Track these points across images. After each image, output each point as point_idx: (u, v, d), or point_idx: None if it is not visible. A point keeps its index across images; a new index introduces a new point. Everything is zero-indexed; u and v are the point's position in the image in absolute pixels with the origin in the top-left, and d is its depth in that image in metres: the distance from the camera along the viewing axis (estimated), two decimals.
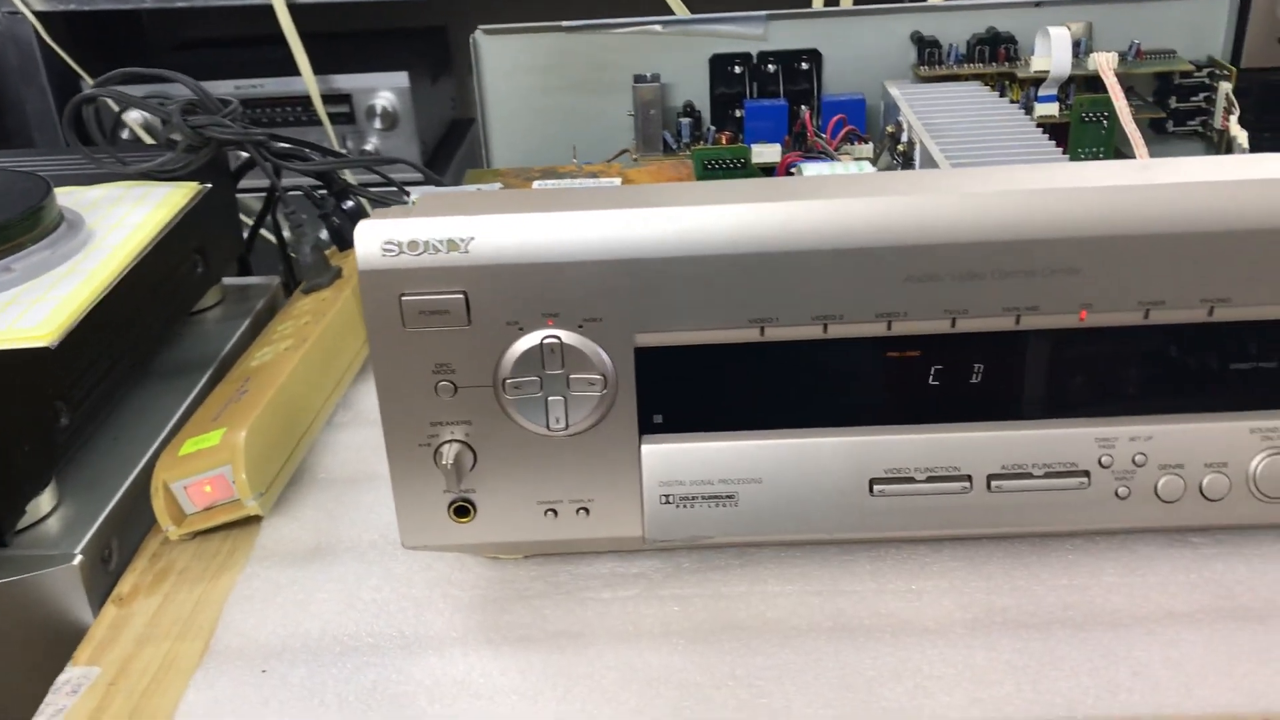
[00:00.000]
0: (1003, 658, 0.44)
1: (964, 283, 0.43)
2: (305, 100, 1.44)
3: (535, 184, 0.57)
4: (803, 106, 0.73)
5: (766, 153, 0.68)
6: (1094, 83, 0.70)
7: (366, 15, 1.59)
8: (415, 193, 0.47)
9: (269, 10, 1.31)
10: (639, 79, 0.72)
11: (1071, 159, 0.70)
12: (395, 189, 0.77)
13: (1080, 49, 0.71)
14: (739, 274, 0.43)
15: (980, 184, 0.44)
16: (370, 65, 1.50)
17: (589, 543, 0.49)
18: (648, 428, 0.46)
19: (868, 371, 0.46)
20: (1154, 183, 0.43)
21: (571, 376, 0.44)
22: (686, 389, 0.46)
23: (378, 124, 1.50)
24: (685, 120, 0.73)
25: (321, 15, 1.40)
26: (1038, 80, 0.70)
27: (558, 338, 0.44)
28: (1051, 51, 0.68)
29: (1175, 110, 0.74)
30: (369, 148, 1.48)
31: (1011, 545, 0.50)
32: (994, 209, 0.42)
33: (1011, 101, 0.70)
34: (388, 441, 0.46)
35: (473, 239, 0.43)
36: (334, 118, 1.47)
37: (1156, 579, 0.48)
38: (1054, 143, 0.60)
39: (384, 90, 1.50)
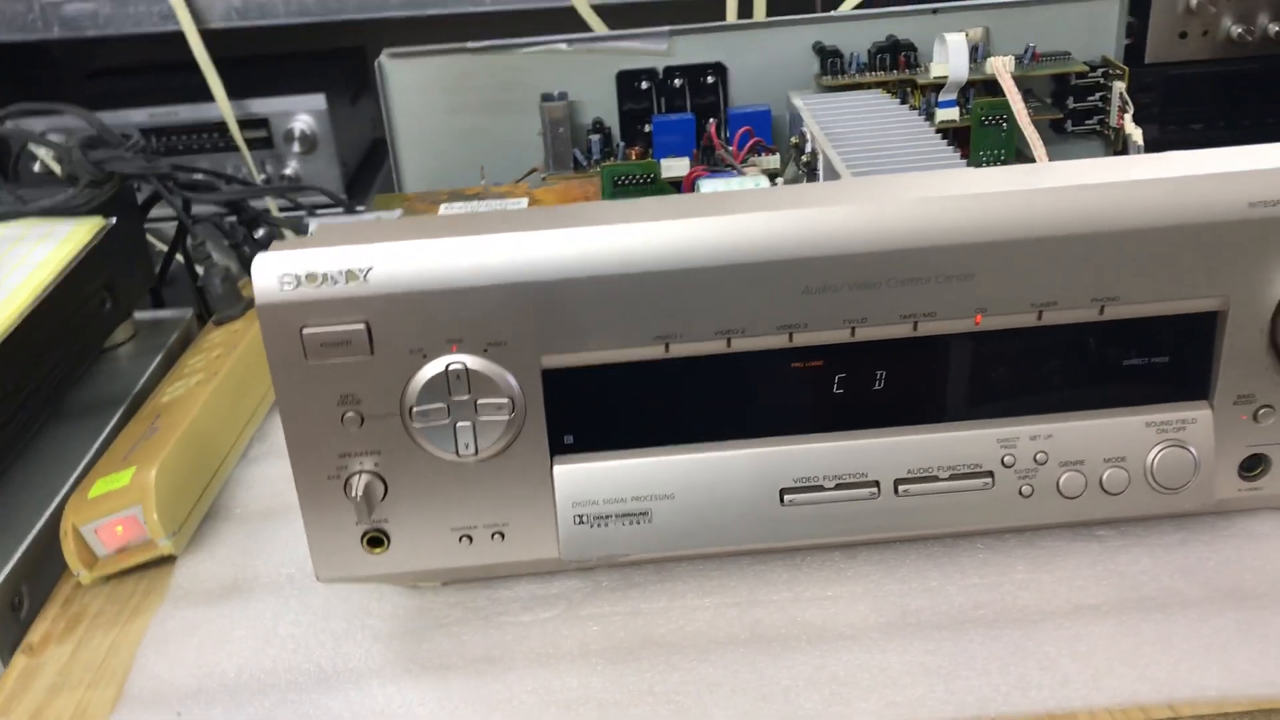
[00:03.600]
0: (916, 660, 0.45)
1: (860, 292, 0.44)
2: (222, 126, 1.42)
3: (442, 207, 0.57)
4: (712, 119, 0.73)
5: (675, 167, 0.68)
6: (993, 86, 0.72)
7: (282, 39, 1.57)
8: (313, 223, 0.46)
9: (183, 36, 1.29)
10: (546, 98, 0.72)
11: (973, 162, 0.72)
12: (309, 215, 0.77)
13: (978, 54, 0.73)
14: (641, 292, 0.43)
15: (872, 194, 0.44)
16: (286, 88, 1.48)
17: (506, 567, 0.49)
18: (559, 449, 0.46)
19: (774, 383, 0.46)
20: (1041, 187, 0.44)
21: (479, 401, 0.44)
22: (596, 408, 0.46)
23: (296, 147, 1.48)
24: (595, 137, 0.73)
25: (236, 40, 1.39)
26: (937, 86, 0.72)
27: (463, 363, 0.44)
28: (949, 58, 0.69)
29: (1073, 110, 0.76)
30: (289, 172, 1.47)
31: (925, 546, 0.51)
32: (885, 219, 0.43)
33: (912, 108, 0.71)
34: (296, 476, 0.45)
35: (371, 268, 0.43)
36: (253, 143, 1.45)
37: (1064, 573, 0.49)
38: (952, 148, 0.61)
39: (302, 113, 1.48)
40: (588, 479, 0.46)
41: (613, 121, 0.75)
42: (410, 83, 0.74)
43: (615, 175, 0.69)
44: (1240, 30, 1.73)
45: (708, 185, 0.51)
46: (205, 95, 1.36)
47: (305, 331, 0.43)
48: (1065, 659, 0.44)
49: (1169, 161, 0.46)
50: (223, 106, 1.39)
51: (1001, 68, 0.69)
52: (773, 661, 0.45)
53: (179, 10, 1.27)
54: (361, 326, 0.43)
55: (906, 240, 0.43)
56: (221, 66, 1.32)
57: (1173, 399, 0.47)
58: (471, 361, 0.44)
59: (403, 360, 0.44)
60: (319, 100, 1.44)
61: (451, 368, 0.44)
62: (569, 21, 0.96)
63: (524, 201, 0.56)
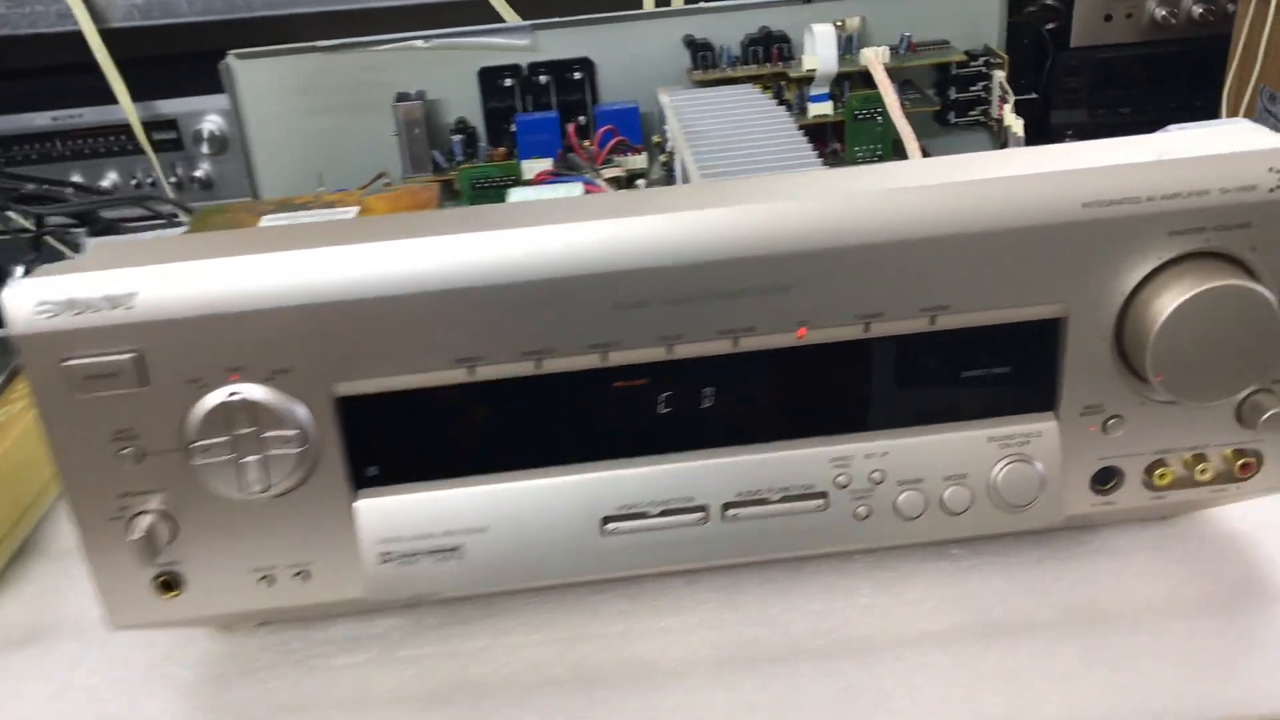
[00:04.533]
0: (743, 697, 0.42)
1: (674, 307, 0.41)
2: (129, 129, 1.38)
3: (264, 219, 0.53)
4: (582, 118, 0.70)
5: (538, 168, 0.65)
6: (870, 79, 0.69)
7: (189, 38, 1.53)
8: (89, 243, 0.43)
9: (84, 37, 1.25)
10: (402, 97, 0.69)
11: (849, 158, 0.69)
12: (167, 222, 0.73)
13: (852, 45, 0.70)
14: (438, 312, 0.40)
15: (692, 201, 0.41)
16: (194, 89, 1.44)
17: (312, 609, 0.46)
18: (362, 481, 0.43)
19: (592, 405, 0.43)
20: (863, 191, 0.41)
21: (265, 434, 0.41)
22: (399, 437, 0.43)
23: (206, 149, 1.43)
24: (457, 138, 0.70)
25: (141, 40, 1.34)
26: (811, 79, 0.69)
27: (244, 394, 0.40)
28: (817, 49, 0.66)
29: (955, 101, 0.73)
30: (200, 174, 1.43)
31: (769, 570, 0.48)
32: (693, 229, 0.40)
33: (783, 102, 0.68)
34: (75, 517, 0.42)
35: (136, 293, 0.39)
36: (161, 145, 1.41)
37: (912, 596, 0.46)
38: (811, 146, 0.58)
39: (211, 114, 1.44)
40: (393, 514, 0.43)
41: (478, 121, 0.72)
42: (261, 84, 0.70)
43: (473, 178, 0.65)
44: (1164, 13, 1.72)
45: (517, 195, 0.48)
46: (111, 97, 1.32)
47: (69, 364, 0.39)
48: (899, 694, 0.42)
49: (1006, 160, 0.43)
50: (127, 108, 1.35)
51: (874, 59, 0.67)
52: (592, 705, 0.42)
53: (76, 9, 1.22)
54: (131, 357, 0.40)
55: (716, 252, 0.40)
56: (127, 67, 1.27)
57: (1016, 411, 0.44)
58: (254, 392, 0.40)
59: (179, 392, 0.40)
60: (227, 100, 1.40)
61: (232, 399, 0.40)
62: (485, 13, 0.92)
63: (353, 211, 0.53)
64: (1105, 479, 0.46)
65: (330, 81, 0.70)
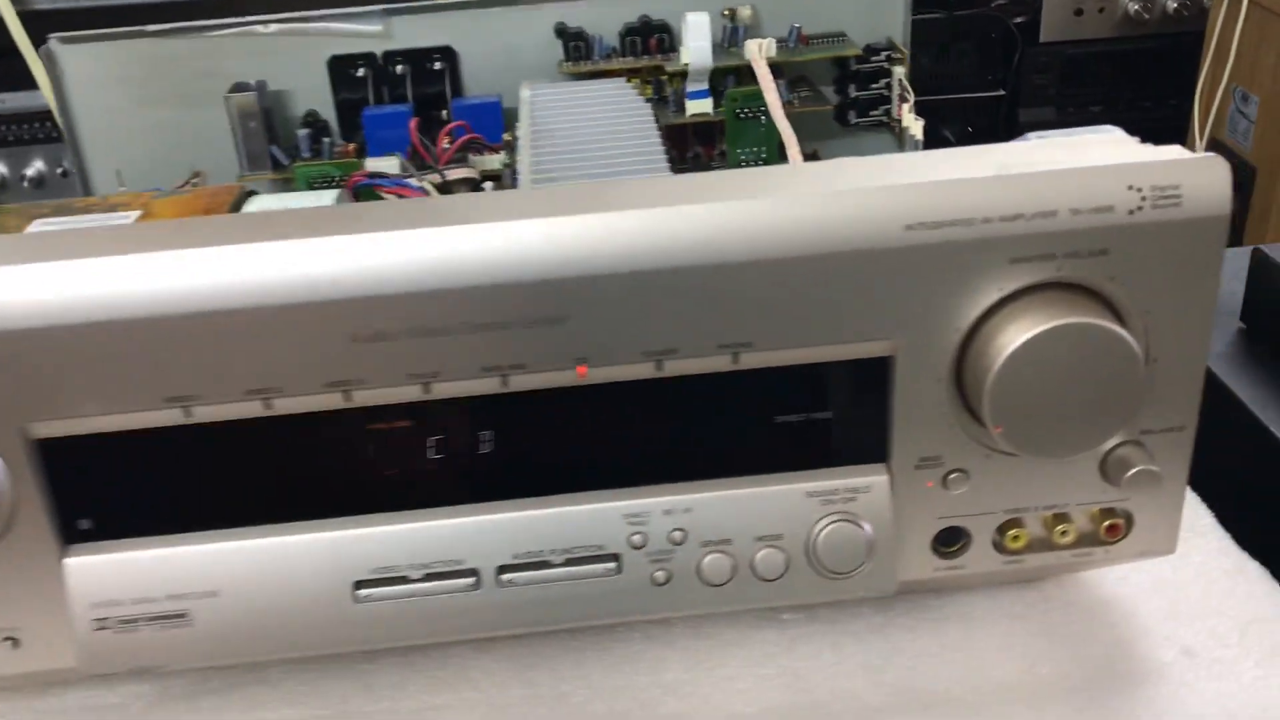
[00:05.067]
0: None
1: (425, 340, 0.35)
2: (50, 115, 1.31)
3: (35, 224, 0.47)
4: (442, 112, 0.64)
5: (383, 166, 0.59)
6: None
7: (109, 20, 1.46)
8: None
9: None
10: (238, 88, 0.62)
11: (731, 161, 0.63)
12: None
13: (740, 35, 0.64)
14: (138, 343, 0.34)
15: (450, 216, 0.35)
16: None
17: (26, 678, 0.40)
18: (72, 536, 0.37)
19: (341, 451, 0.37)
20: (651, 208, 0.35)
21: None
22: (113, 487, 0.37)
23: None
24: (304, 132, 0.63)
25: (61, 23, 1.28)
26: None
27: None
28: (689, 41, 0.60)
29: (856, 100, 0.67)
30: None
31: (571, 637, 0.42)
32: (441, 251, 0.34)
33: (663, 99, 0.62)
34: None
35: None
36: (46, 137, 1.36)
37: (727, 671, 0.40)
38: (663, 151, 0.52)
39: None
40: (108, 574, 0.37)
41: (330, 114, 0.65)
42: (89, 72, 0.64)
43: (310, 177, 0.59)
44: (1138, 7, 1.66)
45: (257, 204, 0.41)
46: (33, 83, 1.26)
47: None
48: None
49: (832, 173, 0.37)
50: (46, 94, 1.28)
51: (756, 52, 0.60)
52: None
53: None
54: None
55: (471, 277, 0.34)
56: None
57: (839, 463, 0.38)
58: None
59: None
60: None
61: None
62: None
63: (134, 216, 0.47)
64: (950, 540, 0.40)
65: (165, 70, 0.64)
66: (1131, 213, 0.34)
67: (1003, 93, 1.66)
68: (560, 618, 0.38)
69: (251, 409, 0.35)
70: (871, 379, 0.37)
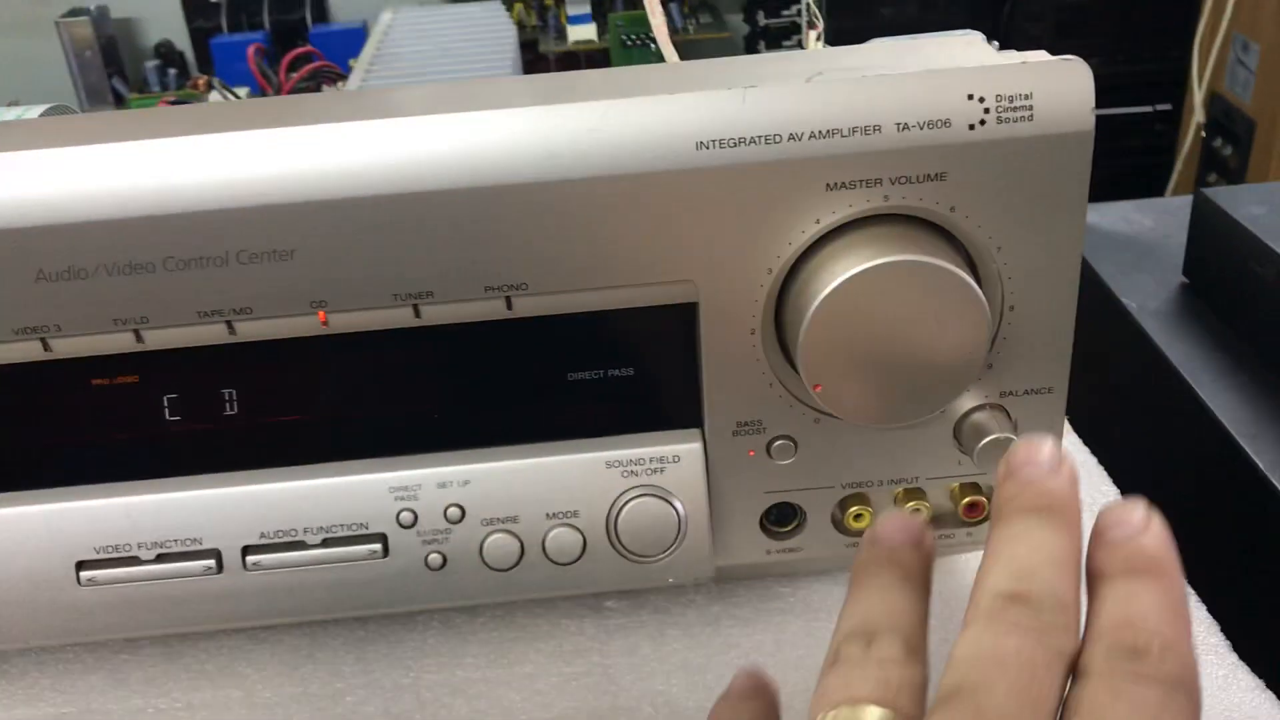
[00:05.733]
0: None
1: (124, 279, 0.29)
2: None
3: None
4: (304, 43, 0.58)
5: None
6: None
7: None
8: None
9: None
10: (74, 13, 0.57)
11: None
12: None
13: None
14: None
15: (157, 130, 0.29)
16: None
17: None
18: None
19: (55, 412, 0.32)
20: (398, 117, 0.29)
21: None
22: None
23: None
24: (152, 63, 0.58)
25: None
26: None
27: None
28: None
29: (765, 29, 0.61)
30: None
31: (359, 625, 0.37)
32: (138, 170, 0.28)
33: (541, 26, 0.56)
34: None
35: None
36: None
37: (527, 669, 0.35)
38: (514, 78, 0.46)
39: None
40: None
41: (185, 44, 0.60)
42: None
43: None
44: None
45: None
46: None
47: None
48: None
49: (620, 80, 0.31)
50: None
51: None
52: None
53: None
54: None
55: (173, 201, 0.28)
56: None
57: (644, 429, 0.33)
58: None
59: None
60: None
61: None
62: None
63: None
64: (783, 519, 0.34)
65: None
66: (973, 128, 0.28)
67: (996, 44, 1.58)
68: (319, 608, 0.33)
69: None
70: (674, 329, 0.31)
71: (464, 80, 0.45)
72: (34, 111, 0.36)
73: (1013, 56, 0.30)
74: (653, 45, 0.55)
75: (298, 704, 0.34)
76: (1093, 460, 0.43)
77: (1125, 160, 1.45)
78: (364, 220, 0.29)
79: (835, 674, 0.23)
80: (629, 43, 0.55)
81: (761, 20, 0.60)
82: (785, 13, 0.60)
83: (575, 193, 0.29)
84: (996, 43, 0.32)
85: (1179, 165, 1.40)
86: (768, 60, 0.31)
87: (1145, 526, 0.22)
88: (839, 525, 0.34)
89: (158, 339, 0.30)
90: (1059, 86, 0.28)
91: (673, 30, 0.54)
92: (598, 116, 0.28)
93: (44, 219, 0.28)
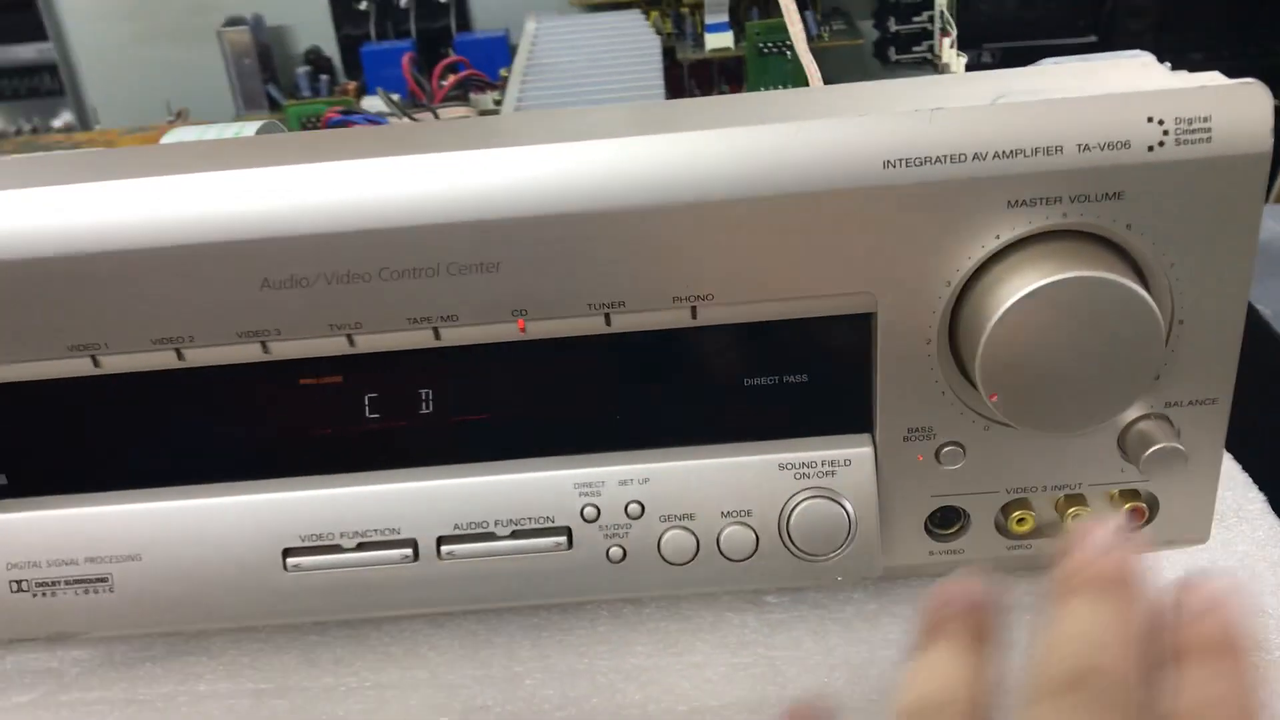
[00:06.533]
0: None
1: (343, 287, 0.31)
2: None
3: None
4: (449, 50, 0.60)
5: (381, 106, 0.56)
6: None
7: None
8: None
9: None
10: (232, 22, 0.59)
11: None
12: None
13: None
14: (35, 284, 0.31)
15: (373, 147, 0.32)
16: None
17: None
18: None
19: (267, 408, 0.34)
20: (599, 139, 0.31)
21: None
22: (31, 440, 0.34)
23: None
24: (303, 70, 0.60)
25: None
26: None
27: None
28: None
29: (896, 35, 0.61)
30: None
31: (532, 614, 0.39)
32: (359, 187, 0.30)
33: (678, 34, 0.57)
34: None
35: None
36: None
37: (696, 658, 0.37)
38: (661, 88, 0.47)
39: None
40: (26, 533, 0.35)
41: (333, 50, 0.62)
42: (85, 8, 0.62)
43: (302, 118, 0.56)
44: None
45: (176, 135, 0.38)
46: None
47: None
48: None
49: (803, 101, 0.33)
50: None
51: None
52: None
53: None
54: None
55: (388, 216, 0.30)
56: None
57: (817, 433, 0.34)
58: None
59: None
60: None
61: None
62: None
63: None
64: (946, 521, 0.35)
65: (160, 4, 0.61)
66: (1151, 149, 0.29)
67: (1094, 39, 1.56)
68: (506, 595, 0.35)
69: (163, 359, 0.32)
70: (851, 338, 0.33)
71: (619, 88, 0.47)
72: (250, 129, 0.38)
73: (1187, 78, 0.31)
74: (789, 53, 0.56)
75: (480, 685, 0.36)
76: (1236, 467, 0.43)
77: None
78: (565, 235, 0.31)
79: None
80: (765, 50, 0.56)
81: (893, 26, 0.61)
82: (916, 19, 0.61)
83: (764, 209, 0.30)
84: (1169, 63, 0.33)
85: None
86: (944, 82, 0.32)
87: (1223, 602, 0.22)
88: (1002, 529, 0.35)
89: (368, 343, 0.32)
90: (1237, 109, 0.29)
91: (808, 37, 0.55)
92: (789, 136, 0.30)
93: (271, 231, 0.30)
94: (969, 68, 0.56)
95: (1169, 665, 0.22)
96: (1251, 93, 0.29)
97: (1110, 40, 1.70)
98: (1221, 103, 0.29)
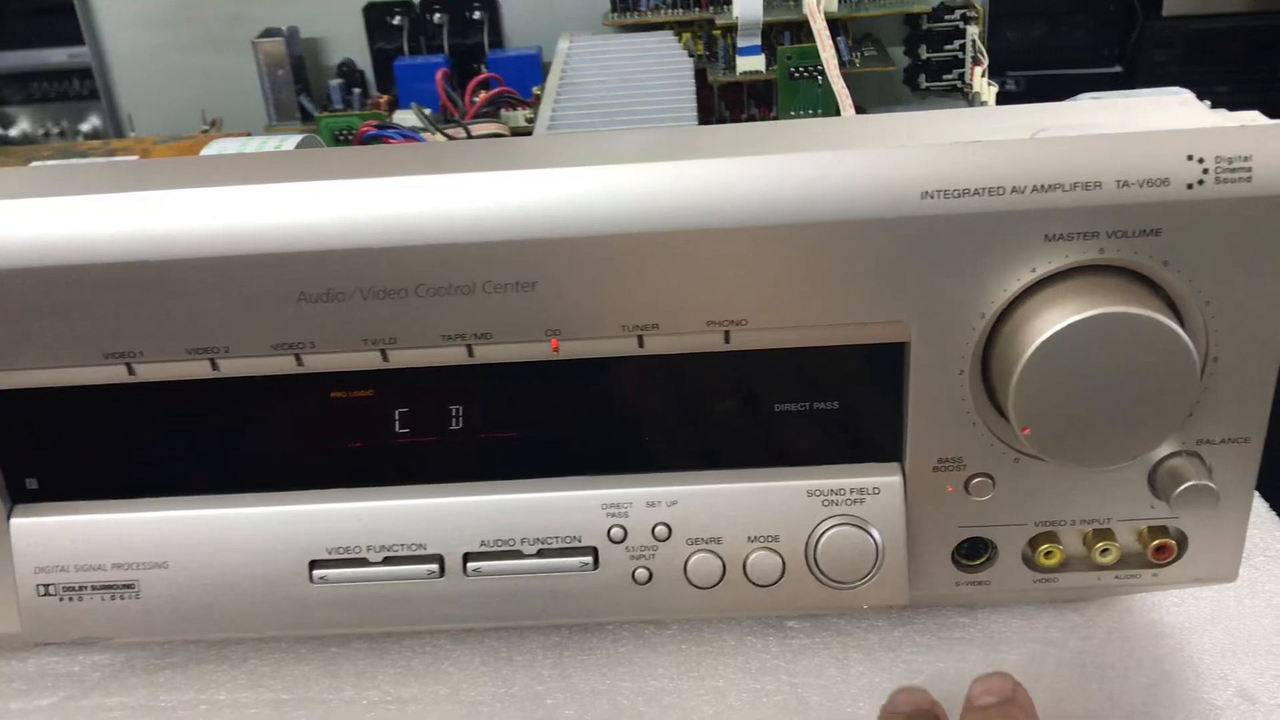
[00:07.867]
0: None
1: (379, 302, 0.31)
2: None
3: (32, 164, 0.45)
4: (481, 67, 0.61)
5: (414, 119, 0.56)
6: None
7: None
8: None
9: None
10: (268, 34, 0.60)
11: None
12: None
13: None
14: (72, 291, 0.31)
15: (408, 166, 0.32)
16: None
17: None
18: (20, 495, 0.35)
19: (298, 420, 0.34)
20: (634, 164, 0.31)
21: None
22: (63, 446, 0.35)
23: None
24: (335, 82, 0.61)
25: None
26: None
27: None
28: None
29: (927, 62, 0.61)
30: None
31: (554, 632, 0.39)
32: (396, 204, 0.31)
33: (709, 56, 0.58)
34: None
35: None
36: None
37: (718, 683, 0.37)
38: (694, 108, 0.48)
39: None
40: (57, 537, 0.35)
41: (366, 63, 0.63)
42: (121, 15, 0.62)
43: (335, 129, 0.56)
44: None
45: (215, 147, 0.39)
46: None
47: None
48: None
49: (841, 130, 0.33)
50: None
51: (814, 5, 0.56)
52: None
53: None
54: None
55: (426, 233, 0.31)
56: None
57: (847, 460, 0.34)
58: None
59: None
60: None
61: None
62: None
63: (130, 160, 0.44)
64: (974, 552, 0.35)
65: (196, 14, 0.62)
66: (1191, 187, 0.29)
67: (1119, 69, 1.55)
68: (531, 614, 0.35)
69: (197, 369, 0.33)
70: (883, 367, 0.33)
71: (651, 109, 0.47)
72: (290, 143, 0.38)
73: (1227, 117, 0.31)
74: (819, 78, 0.56)
75: (501, 704, 0.36)
76: (1263, 506, 0.43)
77: None
78: (602, 257, 0.31)
79: None
80: (796, 75, 0.56)
81: (924, 54, 0.61)
82: (947, 47, 0.61)
83: (800, 236, 0.30)
84: (1208, 101, 0.33)
85: None
86: (983, 115, 0.33)
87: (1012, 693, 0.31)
88: (1029, 562, 0.35)
89: (401, 358, 0.33)
90: (1277, 149, 0.29)
91: (840, 63, 0.55)
92: (828, 164, 0.30)
93: (308, 245, 0.31)
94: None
95: None
96: None
97: (1136, 70, 1.70)
98: (1263, 142, 0.29)
